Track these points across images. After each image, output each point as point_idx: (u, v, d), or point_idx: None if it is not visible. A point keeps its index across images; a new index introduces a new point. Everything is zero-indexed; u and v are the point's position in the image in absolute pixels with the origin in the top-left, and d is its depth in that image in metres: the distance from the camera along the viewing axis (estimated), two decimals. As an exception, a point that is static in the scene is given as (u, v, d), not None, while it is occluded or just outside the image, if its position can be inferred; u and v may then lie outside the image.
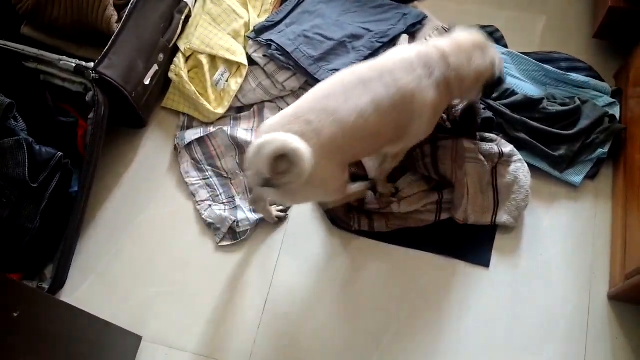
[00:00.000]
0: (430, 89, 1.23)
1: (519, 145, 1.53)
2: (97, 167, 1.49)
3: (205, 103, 1.62)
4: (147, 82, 1.58)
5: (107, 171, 1.63)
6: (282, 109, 1.61)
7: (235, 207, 1.55)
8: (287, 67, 1.62)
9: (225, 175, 1.61)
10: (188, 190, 1.59)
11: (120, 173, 1.64)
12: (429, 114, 1.26)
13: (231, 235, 1.52)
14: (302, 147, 1.08)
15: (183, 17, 1.68)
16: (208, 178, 1.60)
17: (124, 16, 1.52)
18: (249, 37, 1.70)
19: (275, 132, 1.12)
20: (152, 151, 1.67)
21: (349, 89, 1.20)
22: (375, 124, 1.20)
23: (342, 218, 1.48)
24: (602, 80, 1.64)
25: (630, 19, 1.54)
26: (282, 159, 1.09)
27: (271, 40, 1.65)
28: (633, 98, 1.52)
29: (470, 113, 1.51)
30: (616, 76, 1.67)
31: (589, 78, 1.62)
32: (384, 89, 1.20)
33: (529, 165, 1.50)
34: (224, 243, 1.52)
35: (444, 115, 1.55)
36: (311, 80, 1.61)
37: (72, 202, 1.46)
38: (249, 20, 1.74)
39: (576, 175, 1.52)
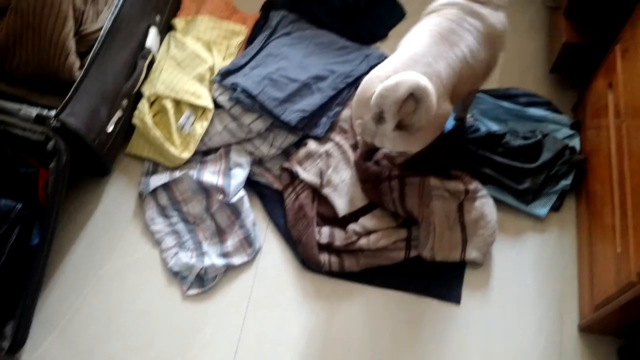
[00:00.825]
0: (498, 20, 1.38)
1: (484, 180, 1.55)
2: (58, 217, 1.45)
3: (171, 148, 1.61)
4: (110, 128, 1.56)
5: (69, 221, 1.59)
6: (248, 152, 1.62)
7: (203, 253, 1.52)
8: (252, 110, 1.62)
9: (192, 221, 1.58)
10: (153, 238, 1.56)
11: (82, 223, 1.60)
12: (504, 43, 1.42)
13: (199, 283, 1.48)
14: (430, 87, 1.17)
15: (147, 63, 1.68)
16: (174, 224, 1.57)
17: (87, 63, 1.50)
18: (214, 81, 1.70)
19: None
20: (115, 199, 1.64)
21: (445, 37, 1.31)
22: (473, 66, 1.34)
23: (313, 259, 1.47)
24: (561, 114, 1.68)
25: (584, 54, 1.60)
26: (408, 100, 1.17)
27: (236, 84, 1.65)
28: (591, 129, 1.56)
29: (440, 149, 1.54)
30: (574, 109, 1.71)
31: (547, 112, 1.67)
32: (470, 34, 1.33)
33: (495, 199, 1.52)
34: (192, 292, 1.48)
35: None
36: (277, 122, 1.61)
37: (33, 255, 1.42)
38: (214, 65, 1.74)
39: (541, 208, 1.54)
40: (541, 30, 1.89)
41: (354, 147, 1.63)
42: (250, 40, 1.84)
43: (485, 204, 1.48)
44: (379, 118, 1.23)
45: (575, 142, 1.60)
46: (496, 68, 1.80)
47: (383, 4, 1.94)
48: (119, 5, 1.58)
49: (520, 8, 1.94)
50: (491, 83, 1.78)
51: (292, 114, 1.60)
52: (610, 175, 1.35)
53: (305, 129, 1.63)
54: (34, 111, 1.43)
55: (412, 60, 1.25)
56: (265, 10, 1.91)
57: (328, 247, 1.49)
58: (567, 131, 1.62)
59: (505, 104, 1.69)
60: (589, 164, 1.53)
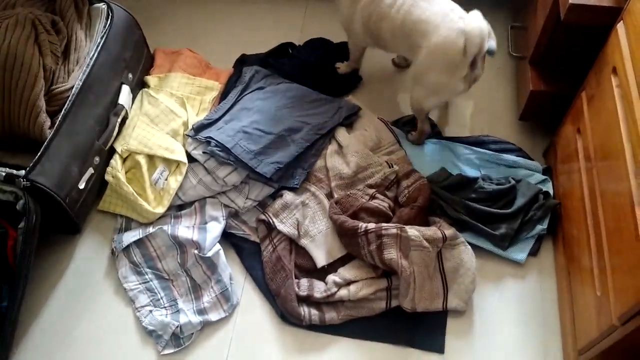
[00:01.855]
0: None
1: (461, 226, 1.55)
2: (28, 279, 1.40)
3: (144, 203, 1.58)
4: (81, 186, 1.54)
5: (39, 282, 1.54)
6: (224, 205, 1.60)
7: (178, 310, 1.48)
8: (227, 163, 1.62)
9: (167, 277, 1.54)
10: (127, 297, 1.51)
11: (53, 283, 1.55)
12: None
13: (174, 342, 1.44)
14: None
15: (119, 120, 1.67)
16: (148, 282, 1.53)
17: (57, 122, 1.49)
18: (188, 135, 1.69)
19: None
20: (87, 257, 1.60)
21: None
22: None
23: (292, 313, 1.44)
24: (532, 160, 1.71)
25: (551, 101, 1.64)
26: None
27: (210, 137, 1.65)
28: (563, 174, 1.59)
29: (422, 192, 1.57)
30: (545, 154, 1.75)
31: (519, 158, 1.69)
32: None
33: (473, 245, 1.52)
34: (167, 351, 1.43)
35: (389, 202, 1.57)
36: (252, 174, 1.60)
37: (2, 318, 1.36)
38: (188, 119, 1.74)
39: (520, 253, 1.54)
40: (509, 78, 1.94)
41: (329, 196, 1.63)
42: (223, 96, 1.85)
43: (463, 252, 1.48)
44: (473, 63, 1.47)
45: (548, 187, 1.62)
46: (466, 116, 1.86)
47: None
48: (90, 65, 1.59)
49: (489, 57, 1.99)
50: (462, 131, 1.81)
51: (267, 166, 1.60)
52: (584, 218, 1.36)
53: (281, 181, 1.63)
54: (3, 171, 1.41)
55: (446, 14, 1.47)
56: (239, 66, 1.94)
57: (307, 300, 1.46)
58: (539, 176, 1.65)
59: (479, 149, 1.71)
60: (563, 208, 1.55)
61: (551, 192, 1.62)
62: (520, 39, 1.82)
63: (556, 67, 1.64)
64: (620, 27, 1.26)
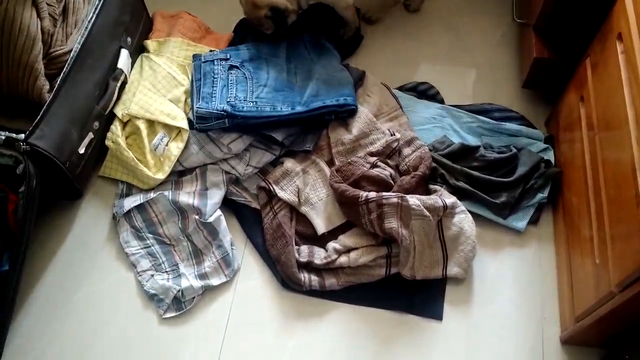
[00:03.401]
0: None
1: (461, 195, 1.55)
2: (29, 243, 1.41)
3: (144, 169, 1.58)
4: (81, 151, 1.53)
5: (40, 247, 1.55)
6: (225, 171, 1.59)
7: (179, 275, 1.49)
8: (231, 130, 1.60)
9: (168, 242, 1.55)
10: (128, 261, 1.52)
11: (54, 248, 1.55)
12: None
13: (176, 306, 1.45)
14: None
15: (119, 84, 1.66)
16: (149, 246, 1.54)
17: (56, 86, 1.48)
18: (195, 129, 1.64)
19: None
20: (88, 222, 1.60)
21: None
22: None
23: (292, 278, 1.45)
24: (534, 128, 1.70)
25: (555, 68, 1.62)
26: None
27: (220, 110, 1.62)
28: (564, 142, 1.58)
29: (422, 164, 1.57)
30: (547, 123, 1.74)
31: (521, 126, 1.68)
32: None
33: (473, 214, 1.52)
34: (169, 314, 1.45)
35: (390, 170, 1.57)
36: (262, 139, 1.62)
37: (3, 282, 1.37)
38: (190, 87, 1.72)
39: (519, 221, 1.55)
40: (512, 46, 1.92)
41: (330, 163, 1.62)
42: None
43: (464, 220, 1.48)
44: None
45: (550, 156, 1.62)
46: (469, 84, 1.84)
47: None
48: (88, 28, 1.57)
49: (492, 23, 1.97)
50: (464, 99, 1.80)
51: (278, 129, 1.60)
52: (585, 187, 1.36)
53: (293, 145, 1.62)
54: (2, 135, 1.40)
55: None
56: (239, 31, 1.91)
57: (307, 266, 1.47)
58: (541, 145, 1.64)
59: (481, 117, 1.70)
60: (564, 177, 1.55)
61: (552, 160, 1.61)
62: (525, 5, 1.79)
63: (560, 34, 1.61)
64: (627, -9, 1.24)
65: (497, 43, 1.93)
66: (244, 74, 1.70)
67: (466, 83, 1.85)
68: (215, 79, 1.68)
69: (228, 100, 1.62)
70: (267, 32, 1.76)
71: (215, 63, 1.72)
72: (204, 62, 1.72)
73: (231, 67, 1.72)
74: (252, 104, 1.62)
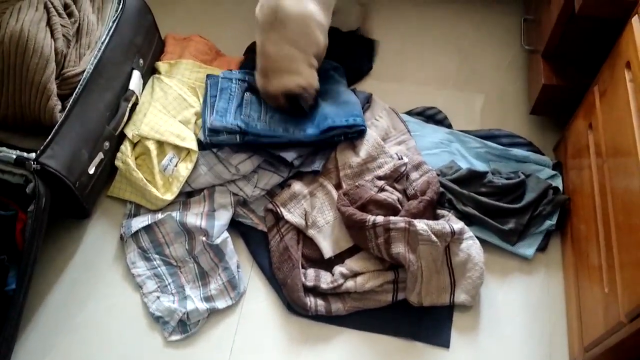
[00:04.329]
0: None
1: (469, 220, 1.55)
2: (36, 262, 1.41)
3: (153, 190, 1.59)
4: (91, 171, 1.54)
5: (47, 266, 1.55)
6: (232, 193, 1.60)
7: (185, 297, 1.48)
8: (241, 150, 1.61)
9: (174, 264, 1.55)
10: (134, 282, 1.52)
11: (61, 267, 1.56)
12: None
13: (181, 329, 1.44)
14: None
15: (130, 105, 1.67)
16: (156, 267, 1.54)
17: (68, 106, 1.49)
18: (206, 143, 1.64)
19: None
20: (96, 242, 1.60)
21: None
22: None
23: (298, 303, 1.44)
24: (542, 154, 1.70)
25: (563, 95, 1.62)
26: None
27: (229, 127, 1.63)
28: (573, 169, 1.58)
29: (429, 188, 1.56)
30: (555, 150, 1.73)
31: (530, 153, 1.68)
32: None
33: (480, 240, 1.52)
34: (174, 337, 1.44)
35: (398, 194, 1.57)
36: (271, 160, 1.62)
37: (9, 301, 1.37)
38: (200, 109, 1.74)
39: (528, 248, 1.54)
40: (521, 72, 1.92)
41: (337, 186, 1.62)
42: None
43: (472, 246, 1.48)
44: None
45: (558, 183, 1.61)
46: (477, 109, 1.84)
47: (360, 42, 1.97)
48: (101, 49, 1.59)
49: (500, 50, 1.98)
50: (472, 124, 1.80)
51: (288, 151, 1.61)
52: (594, 215, 1.36)
53: (302, 166, 1.63)
54: (13, 154, 1.41)
55: None
56: (250, 53, 1.92)
57: (314, 290, 1.46)
58: (549, 172, 1.64)
59: (489, 143, 1.70)
60: (573, 204, 1.54)
61: (561, 187, 1.61)
62: (533, 32, 1.80)
63: (569, 60, 1.62)
64: (635, 20, 1.24)
65: (505, 69, 1.94)
66: (258, 98, 1.71)
67: (474, 108, 1.86)
68: (231, 97, 1.70)
69: (242, 117, 1.64)
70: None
71: (234, 82, 1.74)
72: (222, 78, 1.74)
73: (247, 88, 1.73)
74: (265, 123, 1.63)
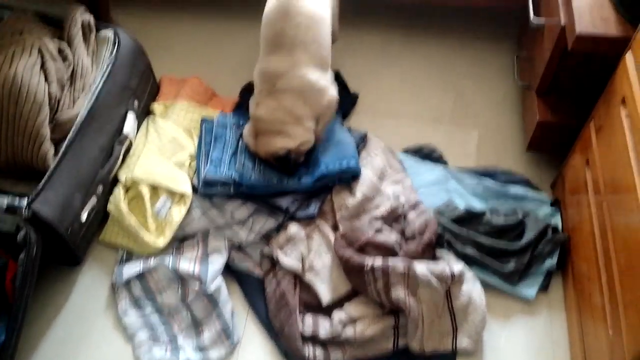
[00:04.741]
0: None
1: (469, 261, 1.52)
2: (26, 312, 1.37)
3: (145, 235, 1.56)
4: (84, 216, 1.52)
5: (37, 315, 1.51)
6: (227, 237, 1.57)
7: (177, 347, 1.44)
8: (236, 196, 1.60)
9: (167, 312, 1.51)
10: (126, 332, 1.48)
11: (52, 317, 1.52)
12: None
13: (174, 380, 1.41)
14: None
15: (124, 148, 1.66)
16: (147, 316, 1.50)
17: (61, 151, 1.48)
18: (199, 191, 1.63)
19: None
20: (87, 290, 1.57)
21: None
22: None
23: (296, 353, 1.40)
24: (540, 192, 1.68)
25: (559, 131, 1.62)
26: None
27: (223, 179, 1.62)
28: (571, 207, 1.56)
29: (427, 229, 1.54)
30: (553, 186, 1.72)
31: (527, 190, 1.67)
32: None
33: (481, 281, 1.49)
34: (167, 388, 1.40)
35: (396, 235, 1.55)
36: (265, 207, 1.60)
37: (-2, 353, 1.34)
38: (195, 151, 1.73)
39: (529, 289, 1.51)
40: (515, 108, 1.93)
41: (334, 228, 1.60)
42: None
43: (473, 288, 1.45)
44: None
45: (557, 220, 1.60)
46: (472, 146, 1.84)
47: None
48: (96, 92, 1.59)
49: (494, 86, 1.99)
50: (468, 161, 1.79)
51: (283, 197, 1.60)
52: (595, 253, 1.33)
53: (297, 212, 1.61)
54: (4, 201, 1.40)
55: None
56: (244, 94, 1.92)
57: (312, 339, 1.42)
58: (547, 209, 1.62)
59: (485, 181, 1.69)
60: (573, 243, 1.52)
61: (560, 225, 1.59)
62: (526, 68, 1.81)
63: (563, 96, 1.62)
64: (629, 57, 1.24)
65: (499, 105, 1.94)
66: None
67: (469, 145, 1.85)
68: (226, 145, 1.68)
69: (237, 168, 1.62)
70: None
71: (228, 128, 1.73)
72: (216, 125, 1.73)
73: (242, 134, 1.72)
74: (259, 173, 1.62)
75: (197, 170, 1.65)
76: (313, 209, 1.61)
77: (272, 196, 1.60)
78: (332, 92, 1.66)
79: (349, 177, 1.64)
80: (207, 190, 1.59)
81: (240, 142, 1.70)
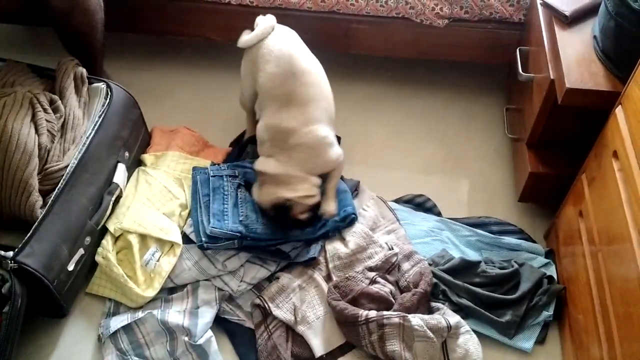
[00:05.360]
0: None
1: (464, 312, 1.50)
2: (9, 366, 1.33)
3: (134, 286, 1.52)
4: (71, 268, 1.49)
5: (20, 369, 1.46)
6: (217, 288, 1.54)
7: (166, 405, 1.39)
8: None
9: (155, 367, 1.47)
10: (113, 388, 1.43)
11: (36, 371, 1.47)
12: None
13: None
14: None
15: (113, 198, 1.64)
16: (135, 371, 1.45)
17: (49, 202, 1.46)
18: (202, 247, 1.59)
19: None
20: (73, 344, 1.52)
21: None
22: None
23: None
24: (534, 242, 1.68)
25: (551, 183, 1.63)
26: None
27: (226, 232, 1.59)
28: (566, 257, 1.55)
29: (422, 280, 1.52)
30: (546, 237, 1.72)
31: (521, 240, 1.66)
32: None
33: (477, 333, 1.46)
34: None
35: (390, 286, 1.52)
36: (264, 256, 1.59)
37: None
38: (186, 201, 1.71)
39: (526, 341, 1.48)
40: (506, 159, 1.94)
41: (327, 278, 1.57)
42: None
43: (469, 340, 1.42)
44: None
45: (552, 271, 1.58)
46: (465, 197, 1.84)
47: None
48: (86, 144, 1.58)
49: (484, 138, 2.01)
50: (460, 212, 1.79)
51: (285, 244, 1.58)
52: (592, 304, 1.32)
53: (297, 257, 1.59)
54: (-10, 252, 1.37)
55: None
56: (236, 144, 1.93)
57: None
58: (542, 260, 1.61)
59: (480, 231, 1.68)
60: (569, 293, 1.50)
61: (555, 275, 1.57)
62: (516, 120, 1.84)
63: (554, 148, 1.64)
64: (619, 111, 1.26)
65: (490, 156, 1.96)
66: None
67: (462, 195, 1.85)
68: (225, 196, 1.66)
69: (240, 219, 1.60)
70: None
71: (225, 179, 1.71)
72: (212, 176, 1.71)
73: (240, 185, 1.71)
74: (264, 225, 1.60)
75: (195, 223, 1.61)
76: (314, 252, 1.59)
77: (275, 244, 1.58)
78: (339, 147, 1.68)
79: (345, 225, 1.64)
80: (212, 246, 1.55)
81: (239, 194, 1.69)
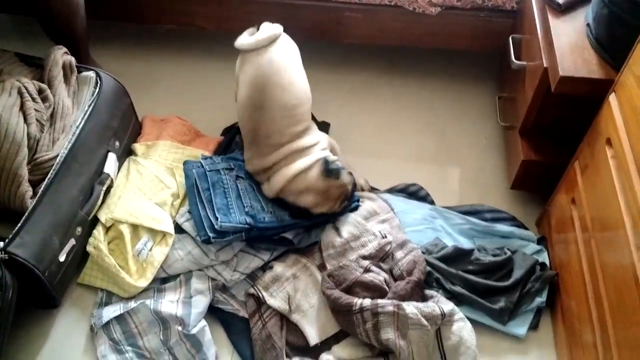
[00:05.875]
0: None
1: (458, 300, 1.50)
2: (1, 357, 1.32)
3: (126, 276, 1.52)
4: (62, 258, 1.47)
5: (13, 359, 1.45)
6: (210, 277, 1.53)
7: (160, 394, 1.39)
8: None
9: (148, 356, 1.45)
10: (106, 378, 1.43)
11: (28, 362, 1.46)
12: None
13: None
14: None
15: (104, 188, 1.62)
16: (128, 361, 1.45)
17: (39, 192, 1.45)
18: (207, 241, 1.55)
19: None
20: (65, 334, 1.51)
21: None
22: None
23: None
24: (526, 229, 1.68)
25: (543, 170, 1.63)
26: None
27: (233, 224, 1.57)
28: (558, 244, 1.56)
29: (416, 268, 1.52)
30: (538, 224, 1.72)
31: (513, 228, 1.67)
32: None
33: (471, 320, 1.47)
34: None
35: (384, 275, 1.52)
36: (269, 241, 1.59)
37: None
38: (178, 190, 1.70)
39: (519, 327, 1.49)
40: (498, 147, 1.94)
41: (321, 267, 1.57)
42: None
43: (463, 328, 1.42)
44: None
45: (544, 258, 1.59)
46: (457, 185, 1.84)
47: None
48: (76, 133, 1.56)
49: (476, 126, 2.01)
50: (453, 200, 1.79)
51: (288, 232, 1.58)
52: (585, 291, 1.32)
53: (301, 243, 1.59)
54: (-21, 243, 1.35)
55: None
56: (228, 134, 1.91)
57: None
58: (534, 247, 1.62)
59: (472, 219, 1.69)
60: (561, 280, 1.51)
61: (547, 262, 1.58)
62: (509, 109, 1.84)
63: (547, 136, 1.64)
64: (612, 98, 1.26)
65: (483, 145, 1.96)
66: (251, 185, 1.67)
67: (454, 184, 1.85)
68: (226, 189, 1.64)
69: (246, 210, 1.58)
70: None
71: (222, 172, 1.69)
72: (209, 170, 1.68)
73: (237, 177, 1.69)
74: (270, 214, 1.59)
75: (197, 217, 1.57)
76: (315, 236, 1.60)
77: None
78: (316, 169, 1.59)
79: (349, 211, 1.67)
80: (219, 240, 1.52)
81: (239, 185, 1.67)
